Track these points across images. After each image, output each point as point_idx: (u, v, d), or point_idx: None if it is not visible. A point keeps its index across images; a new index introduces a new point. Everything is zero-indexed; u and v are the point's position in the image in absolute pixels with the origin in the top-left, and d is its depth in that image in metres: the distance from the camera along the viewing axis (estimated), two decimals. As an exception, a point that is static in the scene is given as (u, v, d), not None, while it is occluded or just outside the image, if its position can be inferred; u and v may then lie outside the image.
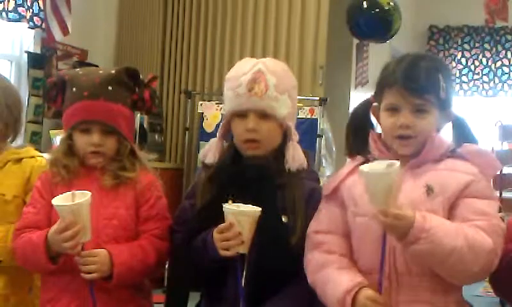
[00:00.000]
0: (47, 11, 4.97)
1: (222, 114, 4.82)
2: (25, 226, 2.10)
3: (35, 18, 4.93)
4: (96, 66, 4.86)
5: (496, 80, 8.75)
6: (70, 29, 5.13)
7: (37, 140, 4.93)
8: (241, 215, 1.88)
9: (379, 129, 1.96)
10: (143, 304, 2.19)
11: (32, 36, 5.13)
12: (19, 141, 2.51)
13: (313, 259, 1.94)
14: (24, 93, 4.97)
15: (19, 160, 2.36)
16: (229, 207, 1.89)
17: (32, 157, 2.39)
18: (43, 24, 4.98)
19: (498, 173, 5.50)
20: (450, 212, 1.81)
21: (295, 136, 2.09)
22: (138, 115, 4.56)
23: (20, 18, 4.80)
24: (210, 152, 2.11)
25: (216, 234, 1.91)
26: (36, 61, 5.11)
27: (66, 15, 5.09)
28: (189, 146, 5.84)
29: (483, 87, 8.81)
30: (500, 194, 6.56)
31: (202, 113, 5.65)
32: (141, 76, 2.22)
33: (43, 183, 2.15)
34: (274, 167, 2.04)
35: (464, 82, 8.82)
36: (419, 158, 1.87)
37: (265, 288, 1.98)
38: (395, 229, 1.72)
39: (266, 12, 5.83)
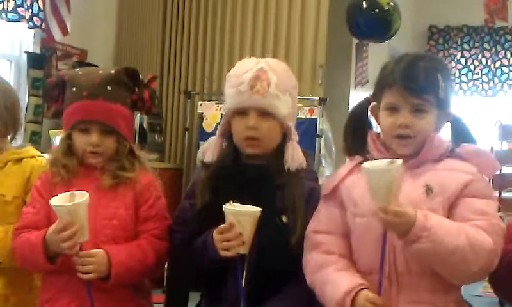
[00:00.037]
0: (47, 11, 4.97)
1: (222, 114, 4.81)
2: (25, 226, 2.11)
3: (35, 18, 4.93)
4: (96, 66, 4.86)
5: (496, 80, 8.75)
6: (69, 29, 5.13)
7: (36, 140, 4.93)
8: (242, 215, 1.88)
9: (377, 129, 1.97)
10: (142, 304, 2.19)
11: (31, 36, 5.14)
12: (19, 140, 2.51)
13: (312, 259, 1.94)
14: (23, 93, 4.98)
15: (19, 160, 2.36)
16: (229, 208, 1.89)
17: (33, 156, 2.39)
18: (43, 24, 4.98)
19: (498, 172, 5.51)
20: (450, 212, 1.81)
21: (295, 136, 2.09)
22: (138, 115, 4.56)
23: (20, 18, 4.80)
24: (209, 150, 2.10)
25: (216, 235, 1.91)
26: (35, 61, 5.12)
27: (66, 15, 5.09)
28: (188, 146, 5.84)
29: (483, 87, 8.81)
30: (500, 194, 6.56)
31: (202, 113, 5.65)
32: (140, 76, 2.22)
33: (42, 183, 2.16)
34: (273, 167, 2.04)
35: (463, 82, 8.82)
36: (418, 158, 1.87)
37: (266, 288, 1.98)
38: (395, 227, 1.73)
39: (266, 12, 5.83)
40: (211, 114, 5.58)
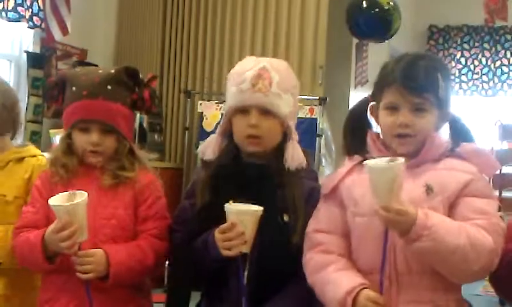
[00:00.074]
0: (47, 10, 4.97)
1: (221, 114, 4.81)
2: (24, 226, 2.11)
3: (35, 18, 4.93)
4: (96, 65, 4.86)
5: (496, 79, 8.74)
6: (69, 29, 5.13)
7: (37, 139, 4.93)
8: (244, 214, 1.88)
9: (377, 129, 1.97)
10: (142, 304, 2.19)
11: (31, 35, 5.14)
12: (19, 140, 2.51)
13: (312, 259, 1.93)
14: (23, 92, 4.98)
15: (20, 160, 2.36)
16: (231, 207, 1.89)
17: (34, 155, 2.39)
18: (43, 24, 4.98)
19: (498, 172, 5.51)
20: (450, 211, 1.81)
21: (295, 136, 2.09)
22: (138, 115, 4.56)
23: (20, 17, 4.80)
24: (209, 148, 2.10)
25: (217, 234, 1.91)
26: (35, 60, 5.12)
27: (66, 15, 5.09)
28: (188, 146, 5.84)
29: (483, 86, 8.80)
30: (500, 193, 6.56)
31: (202, 113, 5.65)
32: (140, 75, 2.22)
33: (43, 182, 2.16)
34: (274, 166, 2.04)
35: (463, 82, 8.82)
36: (418, 158, 1.87)
37: (267, 287, 1.98)
38: (397, 225, 1.73)
39: (266, 11, 5.83)
40: (211, 113, 5.59)
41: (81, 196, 1.93)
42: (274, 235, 1.96)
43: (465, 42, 8.80)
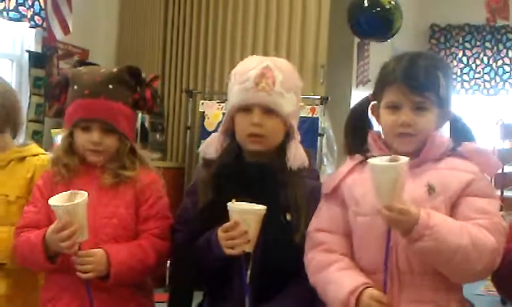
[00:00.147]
0: (48, 10, 4.97)
1: (223, 113, 4.82)
2: (25, 225, 2.11)
3: (36, 18, 4.93)
4: (98, 65, 4.86)
5: (498, 78, 8.75)
6: (71, 28, 5.13)
7: (38, 139, 4.93)
8: (247, 213, 1.88)
9: (377, 128, 1.96)
10: (144, 303, 2.19)
11: (33, 35, 5.14)
12: (20, 139, 2.50)
13: (313, 259, 1.93)
14: (25, 92, 4.98)
15: (22, 159, 2.36)
16: (234, 206, 1.88)
17: (36, 155, 2.39)
18: (44, 23, 4.98)
19: (500, 171, 5.50)
20: (452, 211, 1.81)
21: (297, 135, 2.09)
22: (140, 114, 4.56)
23: (21, 17, 4.80)
24: (211, 147, 2.10)
25: (220, 233, 1.91)
26: (37, 60, 5.12)
27: (67, 14, 5.10)
28: (190, 145, 5.84)
29: (484, 85, 8.81)
30: (502, 192, 6.55)
31: (203, 112, 5.65)
32: (142, 75, 2.22)
33: (44, 182, 2.16)
34: (276, 165, 2.04)
35: (465, 81, 8.82)
36: (420, 158, 1.86)
37: (270, 286, 1.98)
38: (399, 224, 1.72)
39: (267, 11, 5.83)
40: (213, 113, 5.59)
41: (81, 196, 1.93)
42: (277, 234, 1.96)
43: (467, 41, 8.80)
